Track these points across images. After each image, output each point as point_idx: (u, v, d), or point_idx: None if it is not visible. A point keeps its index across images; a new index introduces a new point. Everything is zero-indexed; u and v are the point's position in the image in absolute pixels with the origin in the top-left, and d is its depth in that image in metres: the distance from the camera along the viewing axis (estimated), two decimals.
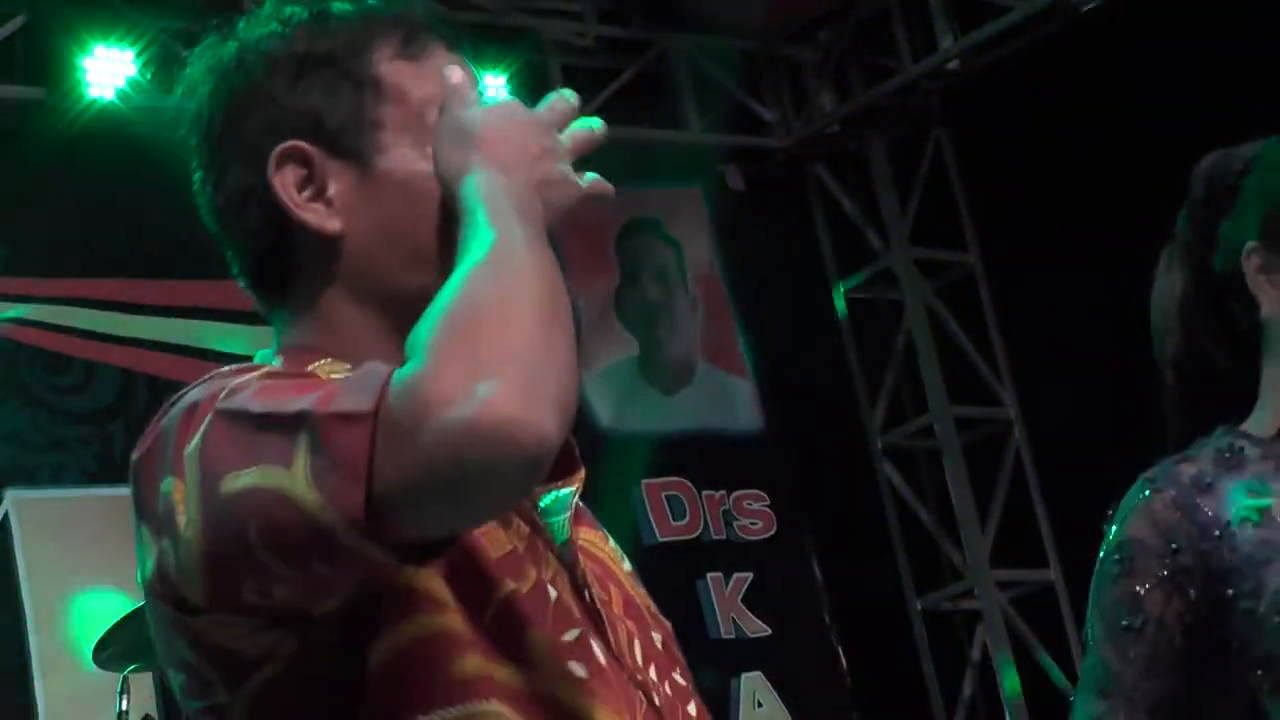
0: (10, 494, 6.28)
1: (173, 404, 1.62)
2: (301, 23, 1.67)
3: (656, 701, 1.62)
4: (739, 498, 7.66)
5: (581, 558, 1.67)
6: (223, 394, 1.54)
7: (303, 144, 1.64)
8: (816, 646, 7.52)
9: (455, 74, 1.66)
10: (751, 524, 7.61)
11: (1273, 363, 2.35)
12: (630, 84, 7.79)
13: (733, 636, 7.35)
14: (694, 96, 7.91)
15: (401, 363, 1.44)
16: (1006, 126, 7.69)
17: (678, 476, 7.48)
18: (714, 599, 7.38)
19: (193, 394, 1.60)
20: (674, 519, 7.43)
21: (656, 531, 7.36)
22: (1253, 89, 6.85)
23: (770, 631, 7.42)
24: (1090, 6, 7.38)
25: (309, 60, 1.65)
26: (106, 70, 6.54)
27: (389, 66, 1.65)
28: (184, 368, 6.75)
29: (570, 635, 1.58)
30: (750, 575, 7.49)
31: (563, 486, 1.69)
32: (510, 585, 1.56)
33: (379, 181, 1.64)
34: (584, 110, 1.67)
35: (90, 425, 6.50)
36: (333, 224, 1.64)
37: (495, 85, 7.08)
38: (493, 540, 1.58)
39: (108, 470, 6.49)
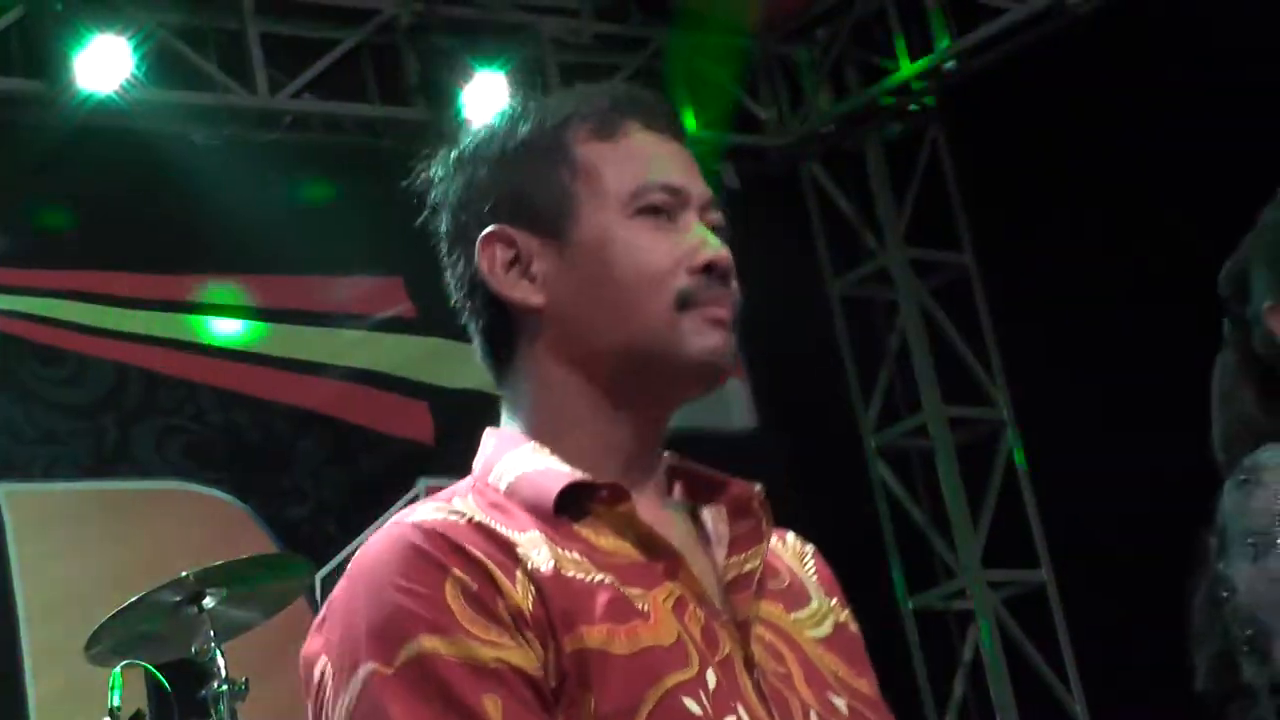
0: (3, 487, 6.28)
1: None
2: (507, 116, 1.82)
3: None
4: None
5: (763, 632, 1.76)
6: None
7: (506, 227, 1.77)
8: None
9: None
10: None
11: None
12: (626, 81, 7.79)
13: None
14: (690, 94, 7.90)
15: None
16: (1002, 127, 7.70)
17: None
18: None
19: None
20: None
21: None
22: (1247, 90, 6.86)
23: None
24: (1086, 8, 7.38)
25: (510, 147, 1.79)
26: (104, 64, 6.52)
27: (585, 147, 1.77)
28: (177, 362, 6.76)
29: (731, 718, 1.65)
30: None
31: (746, 561, 1.79)
32: (667, 684, 1.63)
33: (576, 251, 1.76)
34: None
35: (83, 419, 6.50)
36: (536, 298, 1.76)
37: (492, 81, 7.08)
38: (659, 630, 1.66)
39: (101, 464, 6.50)
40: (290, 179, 7.10)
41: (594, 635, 1.62)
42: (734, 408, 7.84)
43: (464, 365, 6.74)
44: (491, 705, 1.58)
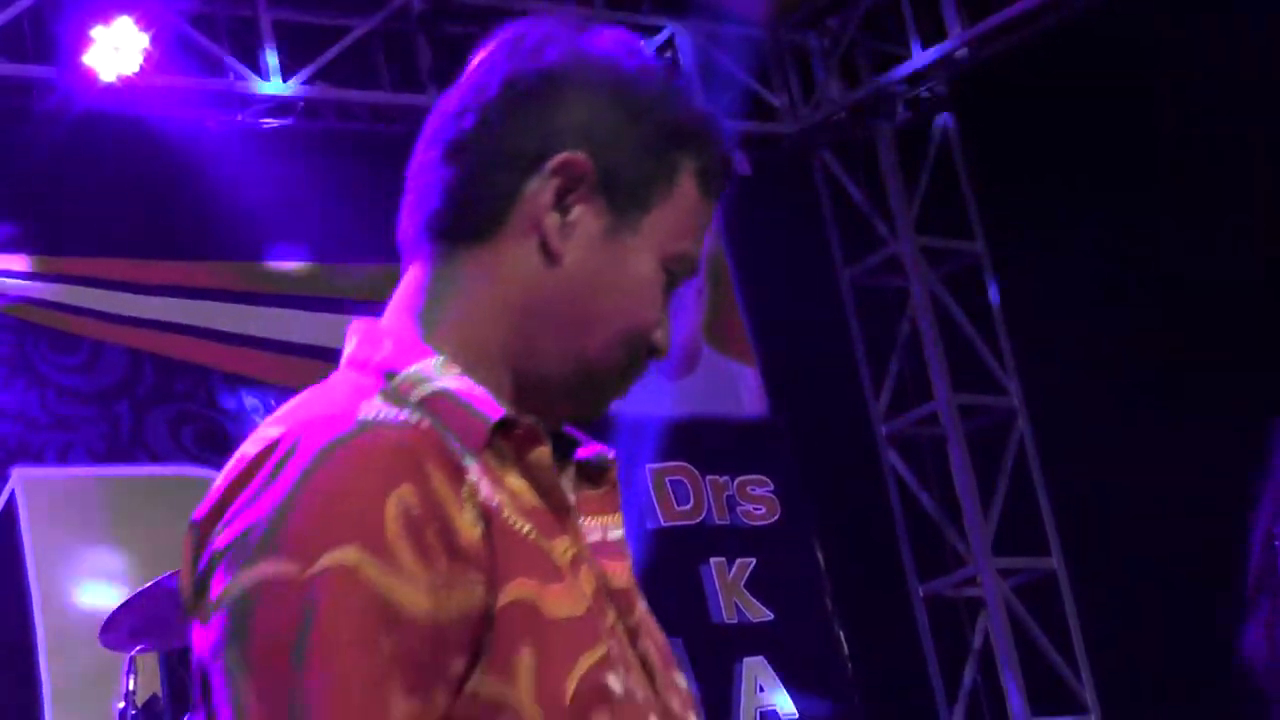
0: (17, 472, 6.30)
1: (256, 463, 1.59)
2: (662, 79, 1.71)
3: None
4: (743, 483, 7.67)
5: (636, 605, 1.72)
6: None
7: (590, 165, 1.67)
8: (819, 632, 7.54)
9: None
10: (755, 509, 7.63)
11: None
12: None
13: (735, 621, 7.36)
14: (702, 82, 7.91)
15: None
16: (1013, 115, 7.70)
17: (682, 461, 7.50)
18: (717, 584, 7.39)
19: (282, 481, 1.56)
20: (678, 504, 7.45)
21: (660, 516, 7.38)
22: (1262, 80, 6.86)
23: (773, 617, 7.44)
24: None
25: (643, 112, 1.69)
26: (116, 50, 6.54)
27: (686, 179, 1.71)
28: (190, 347, 6.77)
29: (639, 696, 1.62)
30: (753, 560, 7.50)
31: (611, 528, 1.73)
32: (587, 660, 1.58)
33: (613, 251, 1.68)
34: None
35: (97, 405, 6.52)
36: (558, 245, 1.67)
37: None
38: (574, 597, 1.61)
39: (114, 449, 6.51)
40: (302, 166, 7.11)
41: (530, 589, 1.55)
42: (745, 395, 7.85)
43: None
44: (389, 645, 1.48)
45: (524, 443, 1.63)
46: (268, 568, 1.50)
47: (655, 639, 1.72)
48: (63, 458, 6.41)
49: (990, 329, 8.24)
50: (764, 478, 7.72)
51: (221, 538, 1.55)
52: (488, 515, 1.55)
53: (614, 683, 1.58)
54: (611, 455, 1.76)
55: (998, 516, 8.01)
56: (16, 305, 6.45)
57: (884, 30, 8.11)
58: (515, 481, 1.62)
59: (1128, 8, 7.19)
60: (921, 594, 8.05)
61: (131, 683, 4.65)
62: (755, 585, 7.47)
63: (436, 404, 1.61)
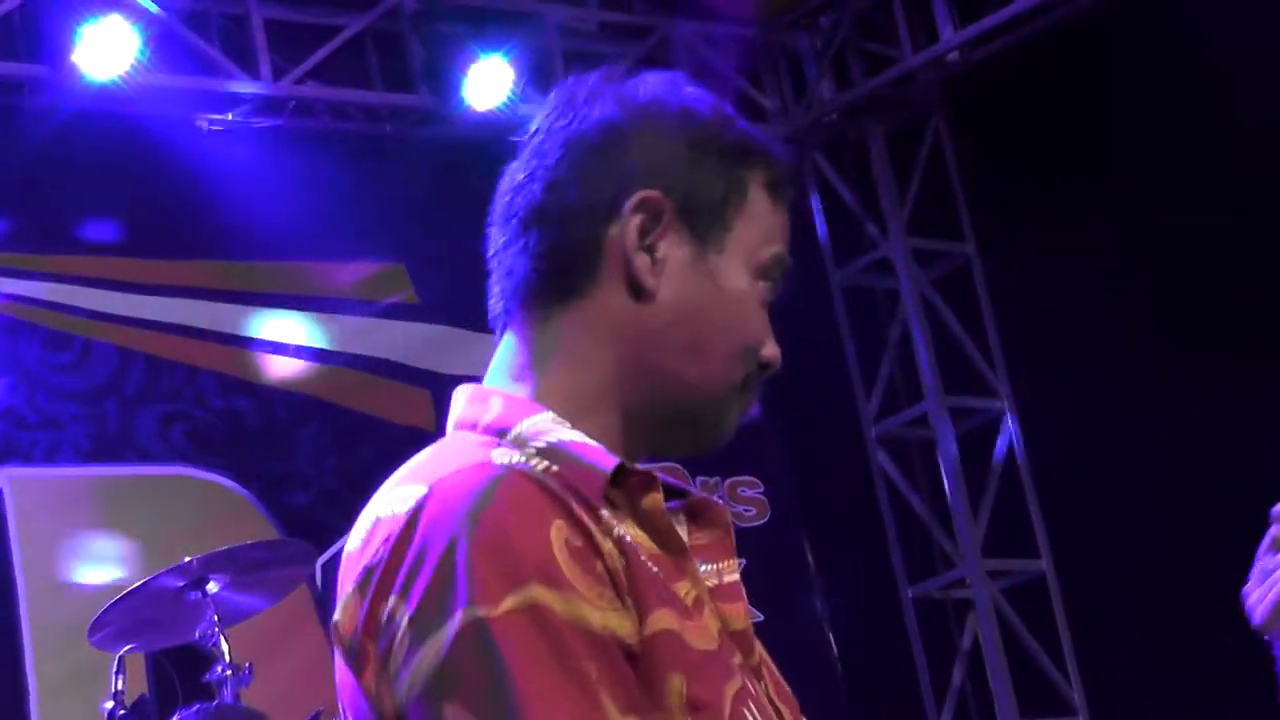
0: (5, 472, 6.29)
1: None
2: (711, 107, 1.78)
3: None
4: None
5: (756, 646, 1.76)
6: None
7: (667, 199, 1.72)
8: (808, 633, 7.54)
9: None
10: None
11: None
12: (631, 70, 7.78)
13: None
14: (694, 83, 7.89)
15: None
16: (1005, 118, 7.71)
17: (671, 461, 7.49)
18: None
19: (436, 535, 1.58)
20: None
21: None
22: (1253, 83, 6.86)
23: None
24: None
25: (704, 140, 1.75)
26: (107, 48, 6.52)
27: (756, 191, 1.78)
28: (180, 347, 6.76)
29: None
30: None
31: (725, 572, 1.78)
32: (729, 690, 1.62)
33: (705, 274, 1.73)
34: None
35: (86, 404, 6.51)
36: (651, 281, 1.70)
37: (497, 68, 7.09)
38: (707, 632, 1.65)
39: (102, 448, 6.50)
40: (293, 165, 7.11)
41: (670, 619, 1.59)
42: None
43: (466, 353, 6.75)
44: (593, 671, 1.51)
45: (638, 491, 1.67)
46: (459, 621, 1.52)
47: (775, 681, 1.78)
48: (51, 457, 6.40)
49: (981, 331, 8.24)
50: (754, 479, 7.72)
51: (405, 603, 1.56)
52: (625, 549, 1.60)
53: (753, 716, 1.63)
54: (720, 500, 1.82)
55: (987, 519, 8.01)
56: (5, 304, 6.44)
57: (876, 32, 8.11)
58: (632, 530, 1.65)
59: (1120, 11, 7.20)
60: (911, 596, 8.05)
61: (120, 682, 4.64)
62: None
63: (552, 456, 1.65)
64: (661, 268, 1.70)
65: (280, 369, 6.92)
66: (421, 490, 1.59)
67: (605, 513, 1.61)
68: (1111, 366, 7.36)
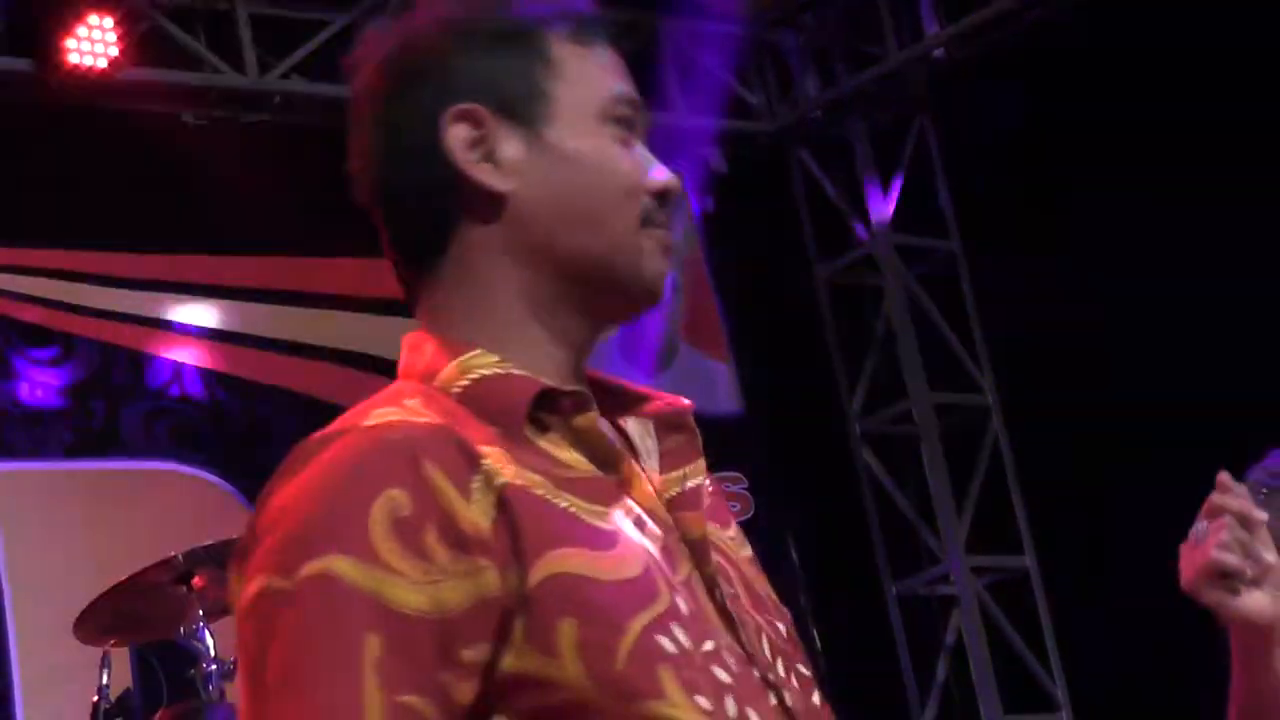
0: None
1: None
2: (480, 1, 1.77)
3: (788, 701, 1.66)
4: (716, 479, 7.67)
5: (711, 554, 1.72)
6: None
7: (477, 105, 1.71)
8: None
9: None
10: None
11: None
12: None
13: None
14: (680, 79, 7.91)
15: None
16: (989, 115, 7.71)
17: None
18: None
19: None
20: None
21: None
22: (1233, 79, 6.88)
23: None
24: None
25: (486, 32, 1.74)
26: (92, 43, 6.52)
27: (562, 48, 1.74)
28: (165, 342, 6.76)
29: (708, 645, 1.61)
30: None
31: (687, 477, 1.76)
32: (641, 620, 1.58)
33: (547, 151, 1.71)
34: None
35: (70, 398, 6.50)
36: (502, 183, 1.70)
37: None
38: (627, 560, 1.61)
39: (86, 444, 6.50)
40: (279, 160, 7.10)
41: (572, 560, 1.56)
42: (719, 391, 7.86)
43: None
44: (372, 647, 1.50)
45: (570, 412, 1.66)
46: (253, 590, 1.55)
47: (749, 585, 1.75)
48: (36, 452, 6.39)
49: (965, 328, 8.26)
50: (738, 474, 7.72)
51: (244, 536, 1.60)
52: (507, 498, 1.56)
53: (669, 642, 1.58)
54: (686, 403, 1.79)
55: (971, 515, 8.03)
56: None
57: (861, 29, 8.12)
58: (568, 454, 1.65)
59: (1105, 8, 7.21)
60: (895, 592, 8.06)
61: (105, 677, 4.65)
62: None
63: (475, 392, 1.65)
64: (507, 168, 1.70)
65: (266, 364, 6.92)
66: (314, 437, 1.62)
67: (489, 461, 1.57)
68: (1096, 362, 7.38)
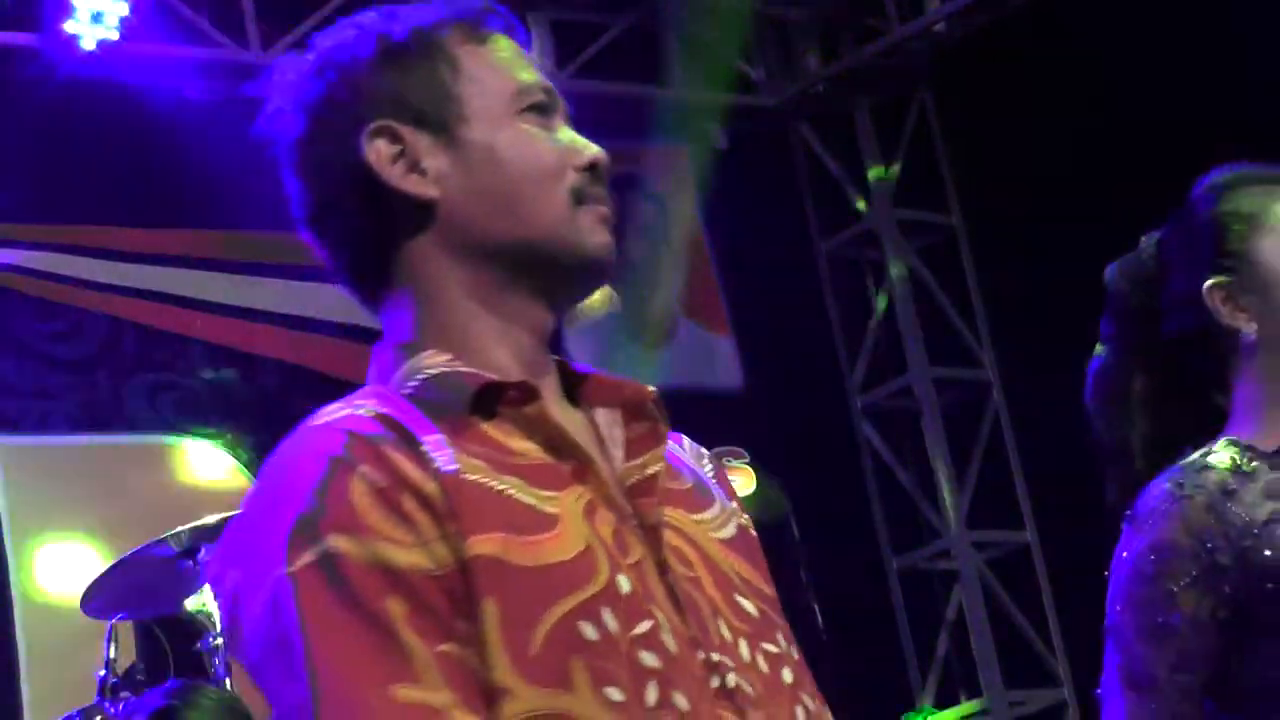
0: None
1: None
2: (374, 21, 1.84)
3: (730, 682, 1.69)
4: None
5: (671, 536, 1.75)
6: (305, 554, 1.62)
7: (392, 123, 1.78)
8: (793, 604, 7.56)
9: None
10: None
11: (1264, 379, 2.45)
12: (618, 39, 7.80)
13: None
14: (684, 54, 7.90)
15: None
16: (991, 90, 7.72)
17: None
18: None
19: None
20: None
21: None
22: (1239, 58, 6.88)
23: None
24: None
25: (386, 49, 1.81)
26: (97, 18, 6.53)
27: (462, 49, 1.81)
28: (171, 317, 6.78)
29: (643, 627, 1.65)
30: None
31: (647, 465, 1.78)
32: (564, 606, 1.62)
33: (467, 151, 1.78)
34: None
35: (77, 373, 6.52)
36: (430, 190, 1.77)
37: None
38: (565, 542, 1.66)
39: (93, 418, 6.52)
40: None
41: (492, 543, 1.61)
42: (720, 367, 7.88)
43: None
44: (396, 608, 1.57)
45: (519, 403, 1.72)
46: (265, 577, 1.62)
47: (715, 565, 1.78)
48: (42, 426, 6.41)
49: (966, 303, 8.27)
50: (739, 449, 7.73)
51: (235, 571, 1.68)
52: (443, 481, 1.63)
53: (592, 628, 1.62)
54: (651, 390, 1.84)
55: (972, 490, 8.05)
56: None
57: (864, 4, 8.12)
58: (520, 443, 1.70)
59: None
60: (896, 566, 8.09)
61: (112, 651, 4.66)
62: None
63: (423, 391, 1.72)
64: (433, 175, 1.77)
65: (272, 339, 6.94)
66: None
67: (426, 447, 1.64)
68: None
